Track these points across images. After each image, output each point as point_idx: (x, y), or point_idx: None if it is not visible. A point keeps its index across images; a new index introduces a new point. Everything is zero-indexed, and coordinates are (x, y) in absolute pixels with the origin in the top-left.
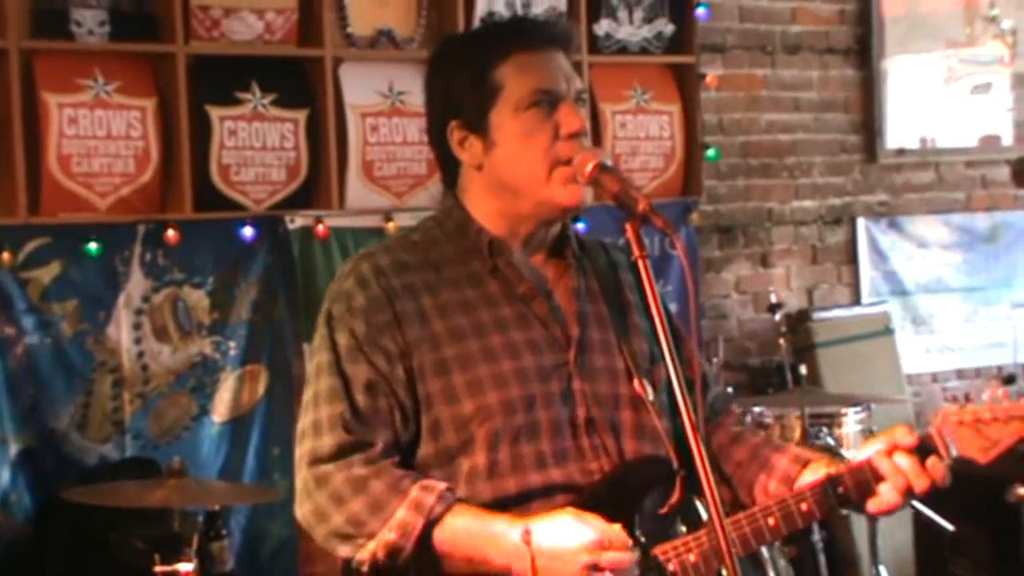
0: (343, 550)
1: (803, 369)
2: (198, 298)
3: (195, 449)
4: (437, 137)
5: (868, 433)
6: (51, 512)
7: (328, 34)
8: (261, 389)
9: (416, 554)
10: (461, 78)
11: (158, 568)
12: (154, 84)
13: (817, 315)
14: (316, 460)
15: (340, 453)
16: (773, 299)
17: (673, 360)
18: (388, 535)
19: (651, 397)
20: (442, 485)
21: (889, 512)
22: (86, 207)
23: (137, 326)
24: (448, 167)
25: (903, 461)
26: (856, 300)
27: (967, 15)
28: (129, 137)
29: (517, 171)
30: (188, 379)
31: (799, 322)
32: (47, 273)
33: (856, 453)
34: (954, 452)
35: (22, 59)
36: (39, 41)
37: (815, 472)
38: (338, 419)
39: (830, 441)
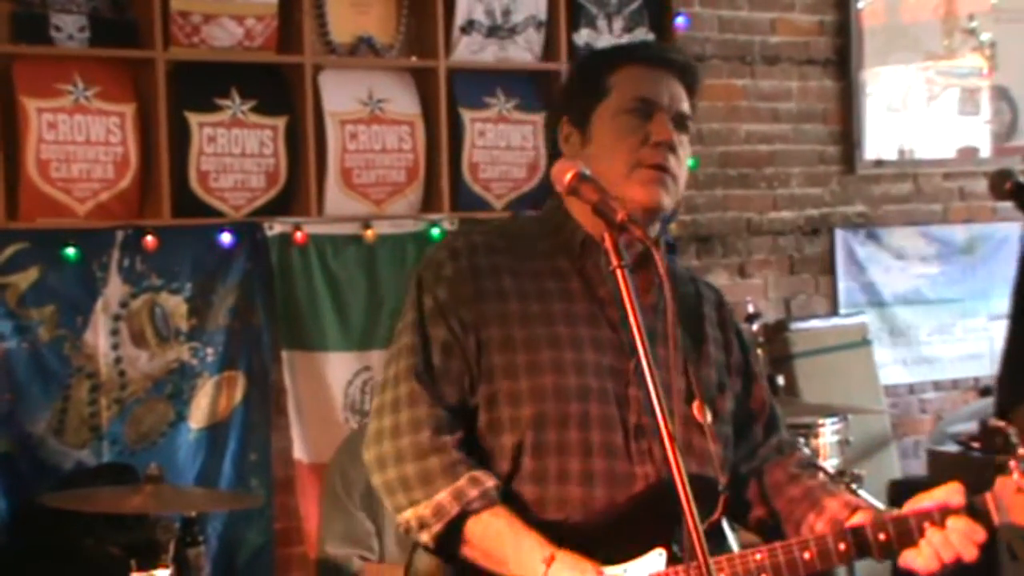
0: (387, 502)
1: (780, 379)
2: (176, 304)
3: (172, 455)
4: (550, 137)
5: (845, 444)
6: (27, 518)
7: (308, 41)
8: (238, 396)
9: (443, 535)
10: (580, 81)
11: (134, 574)
12: (133, 90)
13: (794, 325)
14: (394, 409)
15: (413, 403)
16: (750, 309)
17: (652, 372)
18: (424, 511)
19: (709, 421)
20: (491, 482)
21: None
22: (65, 212)
23: (115, 332)
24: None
25: (955, 536)
26: (833, 311)
27: (946, 27)
28: (108, 143)
29: (602, 166)
30: (165, 385)
31: (776, 332)
32: (25, 278)
33: (908, 505)
34: (1006, 518)
35: (1, 64)
36: (18, 46)
37: (863, 518)
38: (411, 370)
39: (806, 451)
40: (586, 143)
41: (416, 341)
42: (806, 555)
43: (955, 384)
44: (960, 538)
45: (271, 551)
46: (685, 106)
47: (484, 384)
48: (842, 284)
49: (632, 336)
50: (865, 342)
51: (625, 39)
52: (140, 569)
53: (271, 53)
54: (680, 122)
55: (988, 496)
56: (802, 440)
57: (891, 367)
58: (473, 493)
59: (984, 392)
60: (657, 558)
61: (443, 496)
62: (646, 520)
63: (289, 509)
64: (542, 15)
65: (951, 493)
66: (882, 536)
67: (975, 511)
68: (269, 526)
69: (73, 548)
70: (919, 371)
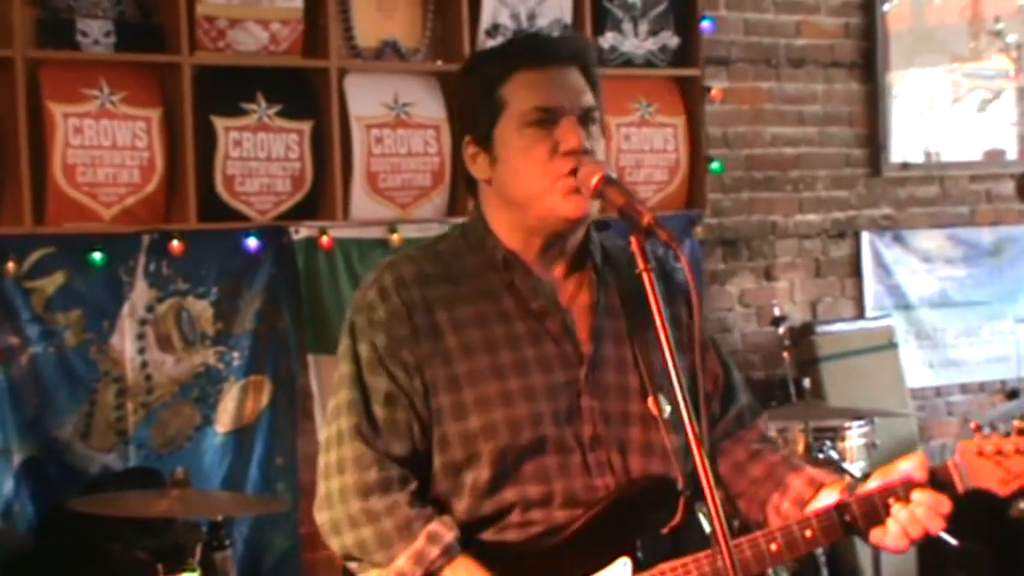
0: (349, 565)
1: (807, 383)
2: (202, 308)
3: (198, 459)
4: (457, 152)
5: (871, 447)
6: (54, 522)
7: (333, 45)
8: (265, 400)
9: None
10: (473, 95)
11: None
12: (159, 94)
13: (821, 328)
14: (340, 471)
15: (359, 466)
16: (777, 312)
17: (677, 372)
18: None
19: (666, 415)
20: (450, 535)
21: (887, 548)
22: (91, 217)
23: (141, 336)
24: (469, 180)
25: (920, 510)
26: (860, 314)
27: (972, 29)
28: (134, 147)
29: (518, 186)
30: (191, 389)
31: (803, 335)
32: (51, 283)
33: (870, 482)
34: (969, 484)
35: (27, 69)
36: (45, 51)
37: (828, 496)
38: (355, 429)
39: (833, 455)
40: (494, 162)
41: (356, 396)
42: (772, 547)
43: (982, 387)
44: (926, 512)
45: (297, 555)
46: (588, 98)
47: (435, 427)
48: (868, 287)
49: (574, 346)
50: (891, 345)
51: (650, 43)
52: (167, 573)
53: (296, 57)
54: (587, 116)
55: (950, 464)
56: (828, 443)
57: (918, 370)
58: (434, 553)
59: (1011, 395)
60: (623, 567)
61: (403, 562)
62: (608, 530)
63: None
64: (567, 18)
65: (914, 467)
66: (847, 517)
67: (938, 482)
68: (295, 530)
69: (100, 552)
70: (946, 374)
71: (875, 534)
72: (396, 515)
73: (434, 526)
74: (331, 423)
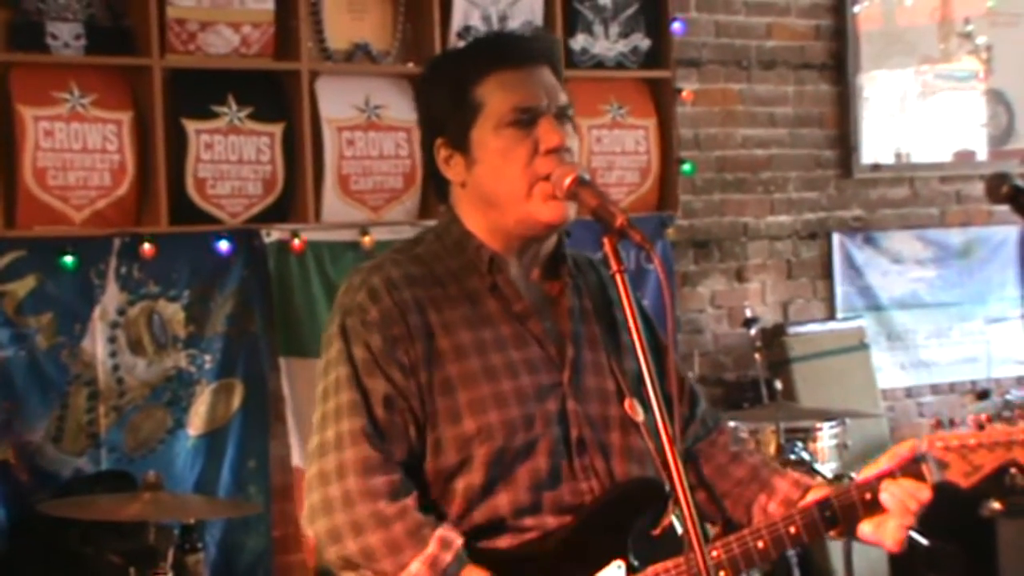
0: (345, 574)
1: (778, 384)
2: (173, 311)
3: (170, 462)
4: (427, 154)
5: (843, 448)
6: (26, 526)
7: (304, 48)
8: (236, 403)
9: None
10: (444, 97)
11: None
12: (130, 97)
13: (792, 330)
14: (340, 476)
15: (366, 470)
16: (748, 314)
17: (652, 377)
18: None
19: (641, 417)
20: (460, 540)
21: (887, 546)
22: (62, 220)
23: (112, 339)
24: (439, 183)
25: (900, 492)
26: (831, 315)
27: (942, 31)
28: (105, 150)
29: (498, 188)
30: (163, 392)
31: (774, 337)
32: (23, 286)
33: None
34: (937, 477)
35: None
36: (15, 54)
37: (815, 497)
38: (360, 433)
39: (805, 456)
40: (471, 165)
41: (357, 397)
42: (759, 544)
43: (952, 388)
44: (904, 494)
45: (270, 558)
46: (563, 97)
47: (429, 431)
48: (839, 288)
49: (560, 352)
50: (863, 346)
51: (621, 45)
52: None
53: (268, 60)
54: (563, 114)
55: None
56: (800, 444)
57: (889, 371)
58: (447, 558)
59: (981, 395)
60: (616, 571)
61: (417, 568)
62: (598, 535)
63: (288, 516)
64: (538, 20)
65: (898, 451)
66: (828, 513)
67: (913, 472)
68: (268, 533)
69: (72, 556)
70: (916, 375)
71: (868, 532)
72: (407, 520)
73: (443, 531)
74: (327, 427)
